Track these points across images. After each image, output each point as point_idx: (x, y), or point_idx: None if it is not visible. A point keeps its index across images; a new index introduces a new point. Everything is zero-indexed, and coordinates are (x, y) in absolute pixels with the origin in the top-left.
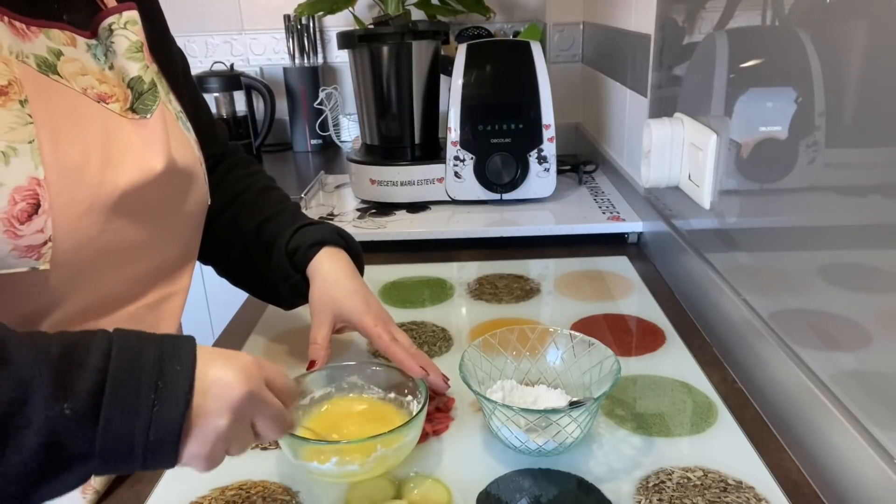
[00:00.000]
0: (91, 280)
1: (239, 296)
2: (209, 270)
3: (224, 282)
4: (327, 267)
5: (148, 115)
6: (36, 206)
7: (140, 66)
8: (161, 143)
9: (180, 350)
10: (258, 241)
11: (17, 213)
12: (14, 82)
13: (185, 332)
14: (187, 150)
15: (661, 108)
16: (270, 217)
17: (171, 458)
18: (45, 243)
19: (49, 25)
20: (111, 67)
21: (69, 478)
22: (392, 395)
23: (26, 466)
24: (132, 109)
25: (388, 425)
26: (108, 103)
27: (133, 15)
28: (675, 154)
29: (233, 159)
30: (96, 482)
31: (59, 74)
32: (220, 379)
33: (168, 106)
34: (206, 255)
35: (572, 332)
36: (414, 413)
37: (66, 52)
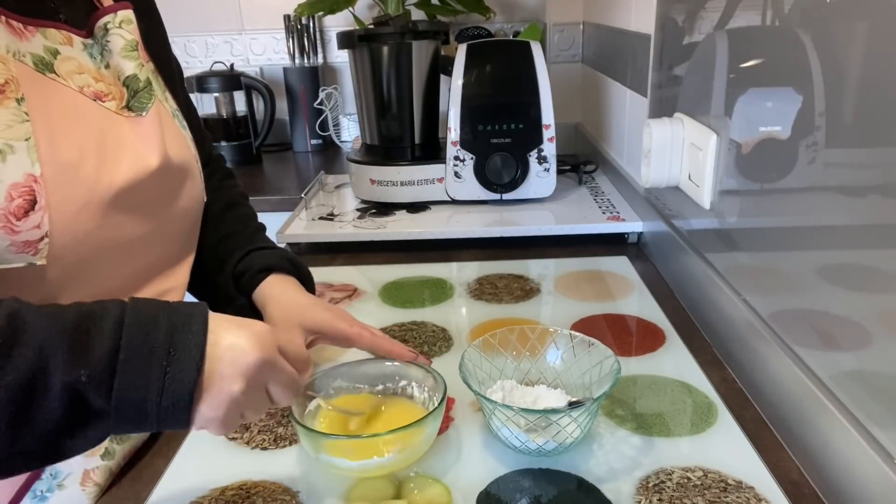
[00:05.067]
0: (88, 275)
1: None
2: None
3: None
4: (277, 290)
5: (143, 113)
6: (32, 203)
7: (135, 65)
8: (156, 140)
9: (192, 318)
10: (214, 257)
11: (13, 210)
12: (11, 81)
13: None
14: (183, 147)
15: (661, 108)
16: (228, 235)
17: (184, 421)
18: (41, 239)
19: (46, 25)
20: (107, 66)
21: (90, 433)
22: (380, 387)
23: (52, 425)
24: (128, 107)
25: (399, 414)
26: (104, 101)
27: (128, 14)
28: (675, 154)
29: (209, 169)
30: (97, 476)
31: (55, 73)
32: (234, 345)
33: (164, 104)
34: None
35: (572, 332)
36: (417, 398)
37: (63, 51)
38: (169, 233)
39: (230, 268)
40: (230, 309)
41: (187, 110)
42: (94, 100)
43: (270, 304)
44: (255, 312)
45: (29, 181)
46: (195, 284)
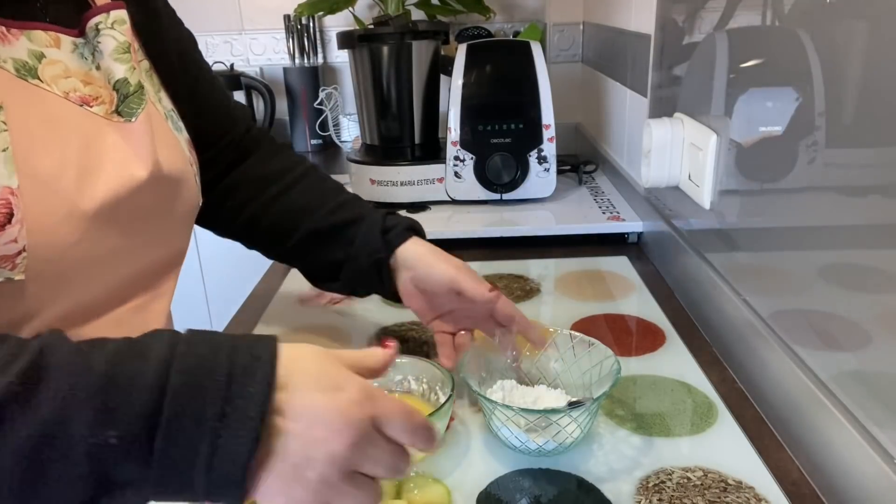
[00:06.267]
0: (71, 288)
1: (239, 295)
2: (209, 270)
3: (224, 281)
4: (424, 248)
5: (133, 119)
6: (9, 216)
7: (126, 68)
8: (146, 148)
9: (255, 367)
10: (337, 216)
11: None
12: None
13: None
14: (175, 153)
15: (661, 108)
16: (349, 200)
17: (237, 497)
18: (18, 253)
19: (32, 27)
20: (98, 67)
21: (121, 500)
22: (375, 384)
23: (72, 492)
24: (117, 112)
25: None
26: (91, 106)
27: (121, 14)
28: (675, 154)
29: (268, 145)
30: None
31: (38, 79)
32: (314, 420)
33: (157, 105)
34: (255, 241)
35: (572, 332)
36: (416, 390)
37: (49, 55)
38: (159, 241)
39: (378, 220)
40: (369, 260)
41: (211, 87)
42: (81, 105)
43: (421, 258)
44: (383, 274)
45: (5, 193)
46: (296, 252)
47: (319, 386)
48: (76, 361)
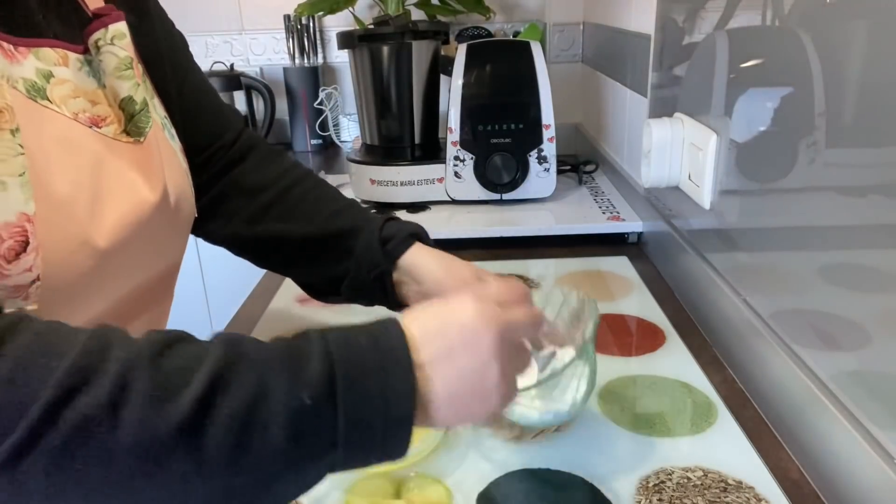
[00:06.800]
0: (76, 311)
1: (239, 295)
2: (209, 270)
3: (224, 281)
4: (430, 254)
5: (141, 139)
6: (24, 244)
7: (130, 85)
8: (156, 170)
9: (386, 326)
10: (333, 225)
11: (4, 252)
12: (6, 110)
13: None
14: (175, 166)
15: (661, 108)
16: (346, 207)
17: (408, 437)
18: (33, 282)
19: (39, 44)
20: (104, 86)
21: (311, 472)
22: None
23: (272, 462)
24: (126, 132)
25: None
26: (100, 127)
27: (120, 27)
28: (675, 154)
29: (262, 150)
30: None
31: (48, 99)
32: (465, 326)
33: (153, 113)
34: (246, 251)
35: (561, 288)
36: None
37: (57, 74)
38: (161, 256)
39: (374, 231)
40: (370, 274)
41: (202, 90)
42: (90, 126)
43: (426, 270)
44: (385, 286)
45: (22, 220)
46: (290, 262)
47: (450, 320)
48: (259, 345)
